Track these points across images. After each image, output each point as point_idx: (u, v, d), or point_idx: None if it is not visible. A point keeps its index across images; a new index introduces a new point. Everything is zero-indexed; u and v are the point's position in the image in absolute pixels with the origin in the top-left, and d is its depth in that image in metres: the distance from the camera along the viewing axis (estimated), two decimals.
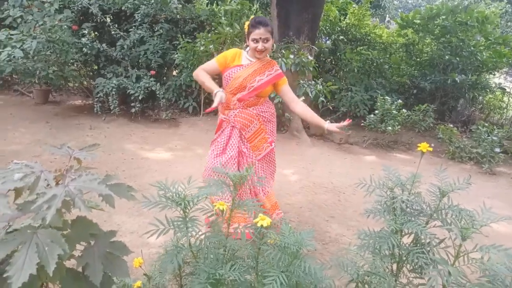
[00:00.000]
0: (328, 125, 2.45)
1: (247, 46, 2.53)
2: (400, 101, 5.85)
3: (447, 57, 6.85)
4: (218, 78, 3.38)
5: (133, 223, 2.90)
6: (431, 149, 1.27)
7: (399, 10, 16.79)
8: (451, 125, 6.20)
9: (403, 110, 5.77)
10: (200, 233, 1.30)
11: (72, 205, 0.82)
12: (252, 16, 2.80)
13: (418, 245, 1.31)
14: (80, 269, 1.00)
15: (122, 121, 5.78)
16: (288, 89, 2.64)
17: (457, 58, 6.88)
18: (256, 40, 2.42)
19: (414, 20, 7.26)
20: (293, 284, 1.28)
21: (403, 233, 1.33)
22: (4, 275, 0.72)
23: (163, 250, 1.72)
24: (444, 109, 7.65)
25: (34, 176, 0.86)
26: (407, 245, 1.36)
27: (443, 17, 6.85)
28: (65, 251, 0.81)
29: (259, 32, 2.39)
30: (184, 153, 4.71)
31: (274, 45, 2.59)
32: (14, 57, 4.70)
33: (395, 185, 1.28)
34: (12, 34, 4.96)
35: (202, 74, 2.58)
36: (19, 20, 5.27)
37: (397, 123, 5.65)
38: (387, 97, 5.88)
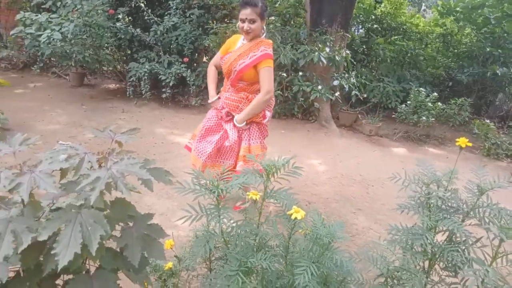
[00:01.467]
0: (234, 120, 2.58)
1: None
2: (435, 94, 5.65)
3: (488, 48, 6.53)
4: None
5: (162, 205, 2.97)
6: (470, 144, 1.22)
7: None
8: (488, 120, 5.94)
9: (439, 103, 5.57)
10: (232, 220, 1.31)
11: (115, 187, 0.84)
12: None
13: (453, 243, 1.28)
14: (117, 248, 1.04)
15: (153, 106, 5.88)
16: (263, 74, 2.44)
17: (499, 50, 6.54)
18: (242, 20, 2.40)
19: (456, 9, 6.92)
20: (322, 275, 1.28)
21: (437, 230, 1.30)
22: (52, 252, 0.76)
23: (192, 233, 1.76)
24: (481, 103, 7.33)
25: (79, 158, 0.89)
26: (440, 242, 1.33)
27: (488, 6, 6.50)
28: (107, 232, 0.84)
29: (245, 12, 2.35)
30: None
31: (265, 27, 2.51)
32: (53, 39, 4.85)
33: (431, 180, 1.24)
34: (51, 18, 5.12)
35: (209, 74, 2.77)
36: (58, 3, 5.42)
37: (431, 115, 5.47)
38: (421, 89, 5.69)
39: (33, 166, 0.85)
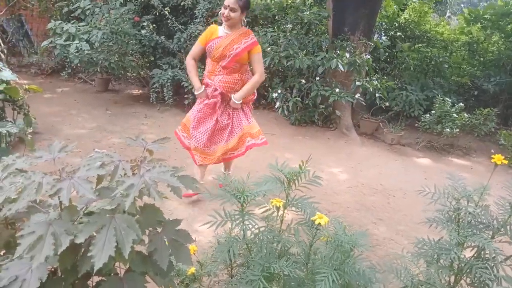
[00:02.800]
0: (233, 98, 2.91)
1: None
2: (461, 104, 5.53)
3: None
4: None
5: (183, 210, 3.02)
6: (506, 161, 1.20)
7: (462, 6, 15.77)
8: None
9: (464, 113, 5.45)
10: (256, 226, 1.33)
11: (147, 194, 0.88)
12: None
13: (481, 259, 1.26)
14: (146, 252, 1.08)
15: (175, 111, 5.98)
16: (257, 59, 2.91)
17: None
18: (225, 7, 2.76)
19: (484, 16, 6.78)
20: (344, 283, 1.28)
21: (465, 246, 1.28)
22: (88, 254, 0.80)
23: (214, 239, 1.78)
24: (508, 113, 7.13)
25: (114, 165, 0.93)
26: (468, 258, 1.31)
27: None
28: (139, 236, 0.88)
29: (229, 1, 2.73)
30: None
31: (244, 20, 2.92)
32: (81, 49, 5.03)
33: (461, 195, 1.22)
34: (80, 26, 5.32)
35: (189, 66, 3.00)
36: (87, 12, 5.62)
37: (455, 126, 5.35)
38: (447, 99, 5.58)
39: (72, 172, 0.90)
